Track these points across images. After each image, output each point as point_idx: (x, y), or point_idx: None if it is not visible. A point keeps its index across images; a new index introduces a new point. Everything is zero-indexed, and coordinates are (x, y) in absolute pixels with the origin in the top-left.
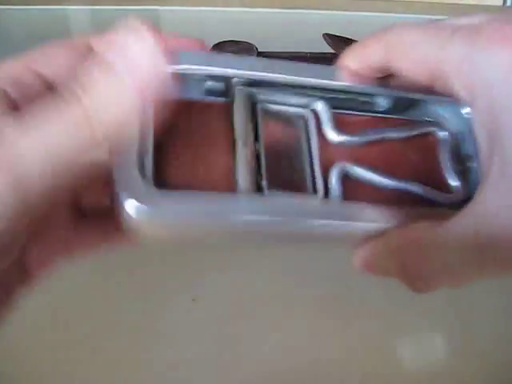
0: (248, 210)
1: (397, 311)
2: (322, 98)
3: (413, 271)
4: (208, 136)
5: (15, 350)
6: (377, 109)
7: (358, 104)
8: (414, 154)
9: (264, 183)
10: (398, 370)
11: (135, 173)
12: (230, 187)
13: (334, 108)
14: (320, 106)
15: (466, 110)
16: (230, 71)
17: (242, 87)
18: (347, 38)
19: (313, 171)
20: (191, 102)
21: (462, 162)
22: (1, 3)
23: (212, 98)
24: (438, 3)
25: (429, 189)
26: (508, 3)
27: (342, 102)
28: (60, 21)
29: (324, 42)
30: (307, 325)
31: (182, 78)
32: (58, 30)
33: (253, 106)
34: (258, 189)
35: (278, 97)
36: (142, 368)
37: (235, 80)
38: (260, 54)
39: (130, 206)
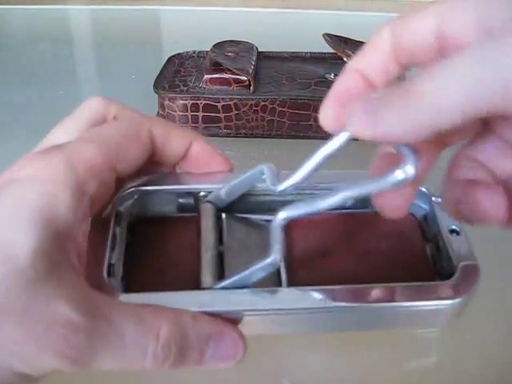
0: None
1: None
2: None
3: None
4: (177, 245)
5: None
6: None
7: None
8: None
9: (226, 279)
10: (397, 370)
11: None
12: (195, 286)
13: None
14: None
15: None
16: (194, 187)
17: (207, 202)
18: (347, 38)
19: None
20: (164, 218)
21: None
22: (1, 3)
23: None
24: None
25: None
26: None
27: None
28: (60, 21)
29: (324, 41)
30: None
31: (155, 196)
32: (58, 30)
33: (219, 217)
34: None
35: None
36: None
37: (201, 195)
38: (260, 54)
39: None
